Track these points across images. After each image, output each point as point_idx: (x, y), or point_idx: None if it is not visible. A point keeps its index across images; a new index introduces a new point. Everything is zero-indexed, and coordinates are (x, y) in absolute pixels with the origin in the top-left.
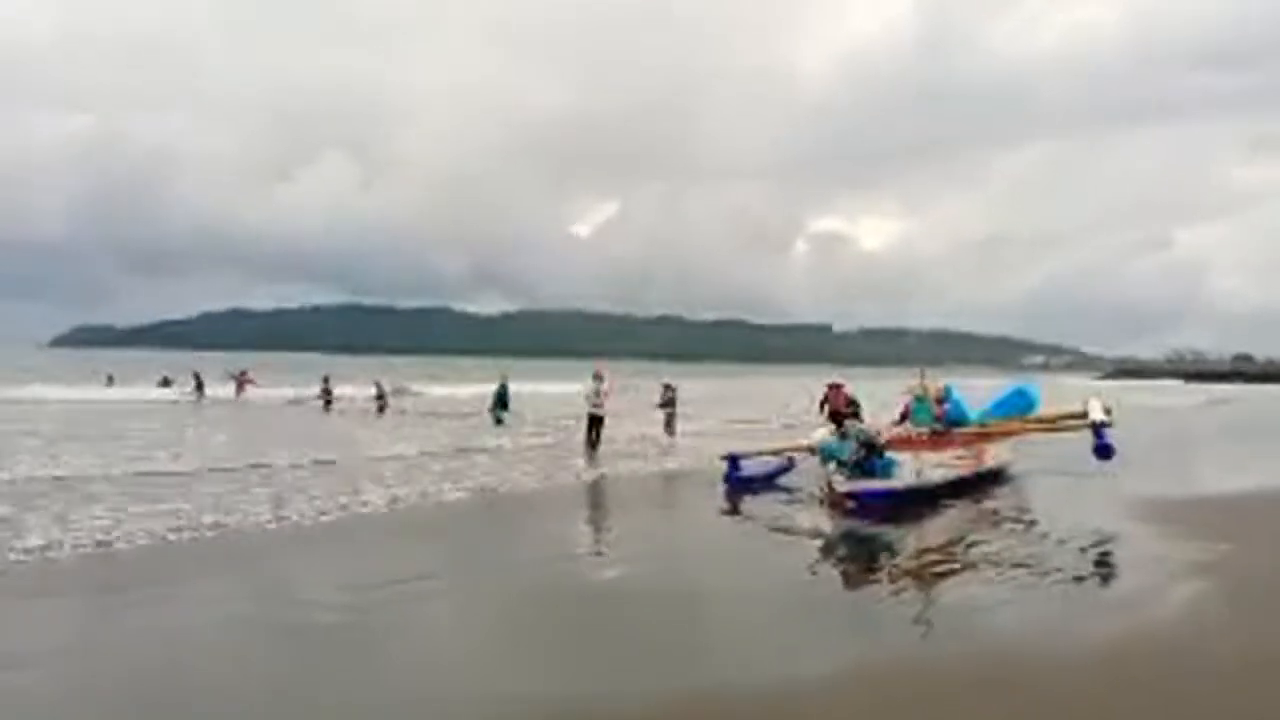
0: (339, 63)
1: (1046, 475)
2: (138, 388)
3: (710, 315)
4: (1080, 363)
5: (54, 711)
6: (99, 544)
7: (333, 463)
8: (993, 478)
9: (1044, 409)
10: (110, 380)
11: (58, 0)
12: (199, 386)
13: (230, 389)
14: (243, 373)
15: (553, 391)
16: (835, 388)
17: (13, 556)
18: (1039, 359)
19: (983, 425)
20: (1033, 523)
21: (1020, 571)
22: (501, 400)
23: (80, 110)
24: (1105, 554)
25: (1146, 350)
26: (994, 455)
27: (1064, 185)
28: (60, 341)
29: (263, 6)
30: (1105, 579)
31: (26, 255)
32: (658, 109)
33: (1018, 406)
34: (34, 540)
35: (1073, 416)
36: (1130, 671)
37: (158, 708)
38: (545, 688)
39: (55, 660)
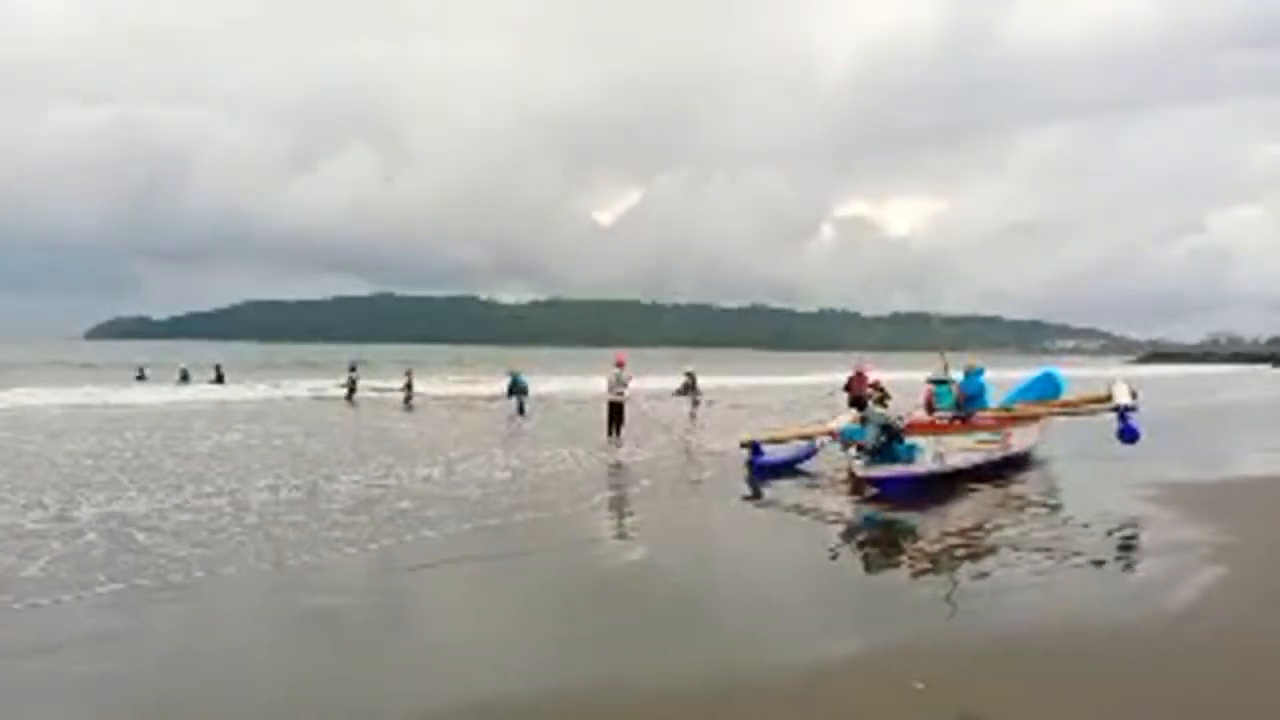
0: (362, 54)
1: (1072, 459)
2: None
3: (736, 302)
4: (1113, 347)
5: (91, 695)
6: None
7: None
8: (1017, 462)
9: (1070, 393)
10: (142, 374)
11: None
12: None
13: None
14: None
15: (579, 389)
16: (859, 373)
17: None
18: (1070, 343)
19: (1007, 409)
20: (1057, 507)
21: (1043, 555)
22: (519, 388)
23: (106, 104)
24: (1129, 538)
25: (1181, 334)
26: (1019, 439)
27: (1094, 168)
28: (96, 334)
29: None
30: (1129, 564)
31: (58, 248)
32: (681, 96)
33: (1044, 390)
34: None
35: (1098, 400)
36: (1152, 655)
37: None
38: (573, 670)
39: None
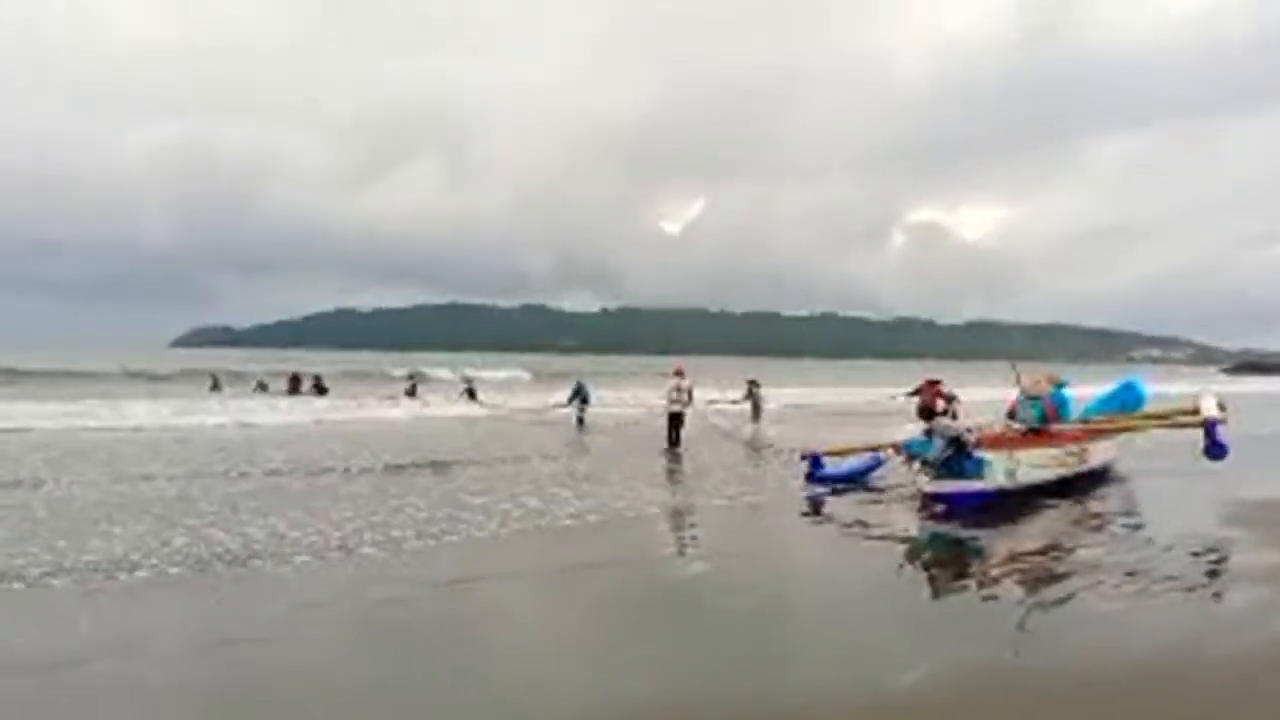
0: (429, 67)
1: (1152, 475)
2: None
3: (805, 310)
4: (1200, 356)
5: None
6: None
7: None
8: (1096, 478)
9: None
10: (216, 384)
11: (159, 9)
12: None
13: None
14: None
15: (642, 398)
16: (932, 383)
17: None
18: (1154, 352)
19: (1084, 422)
20: (1137, 526)
21: (1124, 579)
22: (581, 398)
23: (185, 118)
24: (1217, 562)
25: (1274, 343)
26: (1098, 453)
27: (1178, 171)
28: (180, 343)
29: (351, 13)
30: (1219, 591)
31: (139, 259)
32: (749, 102)
33: (1124, 402)
34: None
35: (1183, 413)
36: (1255, 693)
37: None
38: (626, 692)
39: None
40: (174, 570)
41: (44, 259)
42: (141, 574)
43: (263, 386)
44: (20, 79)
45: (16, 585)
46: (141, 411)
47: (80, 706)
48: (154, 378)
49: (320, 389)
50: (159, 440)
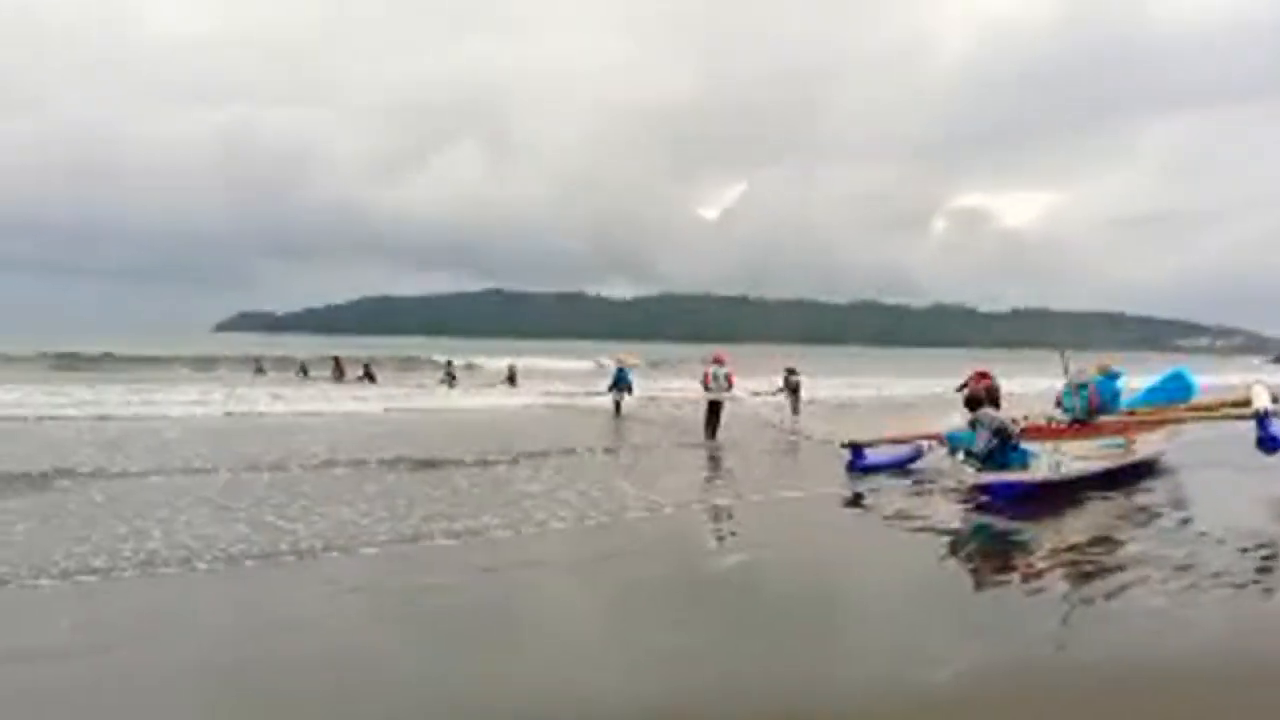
0: (467, 52)
1: (1202, 468)
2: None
3: (847, 297)
4: (1252, 344)
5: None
6: None
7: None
8: (1143, 470)
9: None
10: (260, 368)
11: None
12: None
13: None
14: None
15: (682, 386)
16: (981, 375)
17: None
18: (1204, 341)
19: (1131, 413)
20: (1187, 520)
21: (1171, 573)
22: (621, 383)
23: (226, 105)
24: (1269, 557)
25: None
26: (1145, 446)
27: (1227, 156)
28: (224, 327)
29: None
30: (1271, 587)
31: (179, 245)
32: (787, 87)
33: (1173, 392)
34: None
35: (1235, 405)
36: None
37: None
38: (658, 683)
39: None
40: (232, 559)
41: (92, 245)
42: (202, 564)
43: (304, 371)
44: (65, 74)
45: (87, 578)
46: (194, 398)
47: (144, 691)
48: (201, 362)
49: (370, 376)
50: (213, 428)
